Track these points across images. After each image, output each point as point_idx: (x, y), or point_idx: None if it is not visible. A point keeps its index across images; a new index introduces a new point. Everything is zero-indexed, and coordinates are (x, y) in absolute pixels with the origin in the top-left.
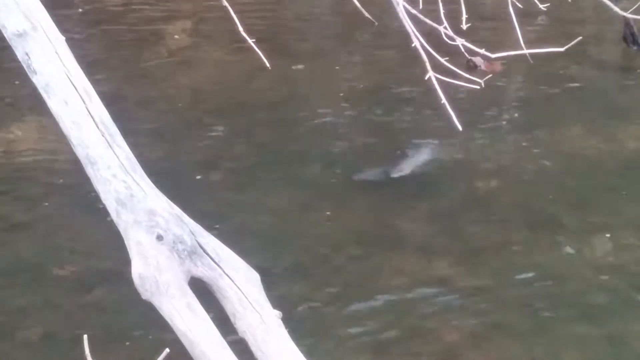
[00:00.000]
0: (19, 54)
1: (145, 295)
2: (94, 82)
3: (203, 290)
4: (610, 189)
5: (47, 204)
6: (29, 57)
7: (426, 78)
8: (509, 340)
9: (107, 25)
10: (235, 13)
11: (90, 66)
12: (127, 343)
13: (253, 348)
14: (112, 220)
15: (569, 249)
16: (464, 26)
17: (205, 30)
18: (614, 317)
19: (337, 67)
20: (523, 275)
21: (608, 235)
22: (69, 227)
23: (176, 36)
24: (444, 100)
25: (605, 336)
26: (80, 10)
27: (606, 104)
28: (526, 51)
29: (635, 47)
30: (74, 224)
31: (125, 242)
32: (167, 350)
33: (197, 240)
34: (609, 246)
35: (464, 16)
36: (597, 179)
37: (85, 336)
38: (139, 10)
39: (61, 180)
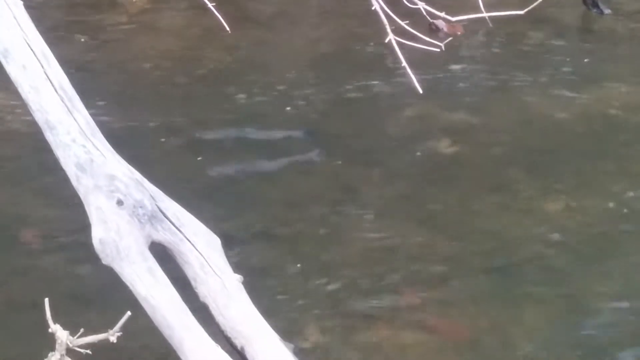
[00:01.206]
0: None
1: (105, 260)
2: (53, 48)
3: (164, 255)
4: (569, 152)
5: (4, 170)
6: None
7: (386, 41)
8: (468, 303)
9: None
10: None
11: (47, 31)
12: (88, 308)
13: (214, 313)
14: (72, 186)
15: (528, 215)
16: None
17: None
18: (572, 277)
19: (298, 31)
20: (481, 239)
21: (566, 197)
22: (28, 193)
23: (132, 1)
24: (403, 62)
25: (565, 296)
26: None
27: (566, 66)
28: (486, 14)
29: (595, 10)
30: (33, 189)
31: (86, 207)
32: (129, 313)
33: (157, 205)
34: (567, 209)
35: None
36: (556, 142)
37: (46, 300)
38: None
39: (19, 146)
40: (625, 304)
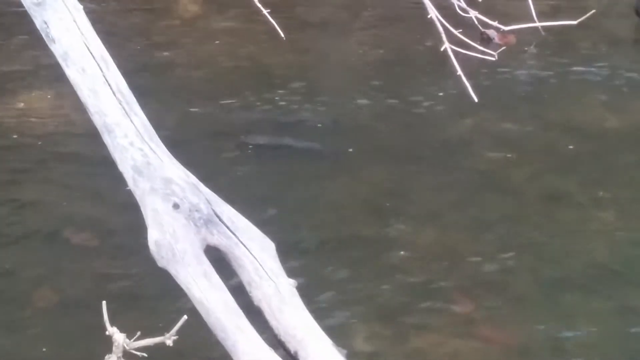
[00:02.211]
0: (37, 23)
1: (161, 262)
2: (108, 51)
3: (219, 259)
4: (620, 162)
5: (62, 173)
6: (48, 26)
7: (442, 49)
8: (521, 312)
9: None
10: None
11: (105, 35)
12: (144, 310)
13: (268, 317)
14: (128, 188)
15: (580, 223)
16: None
17: (218, 0)
18: (625, 288)
19: (349, 38)
20: (533, 248)
21: (619, 207)
22: (85, 195)
23: (189, 5)
24: (459, 71)
25: (618, 306)
26: None
27: (618, 77)
28: (539, 24)
29: None
30: (89, 192)
31: (142, 209)
32: (185, 317)
33: (213, 209)
34: (620, 218)
35: None
36: (608, 152)
37: (104, 302)
38: None
39: (77, 148)
40: None
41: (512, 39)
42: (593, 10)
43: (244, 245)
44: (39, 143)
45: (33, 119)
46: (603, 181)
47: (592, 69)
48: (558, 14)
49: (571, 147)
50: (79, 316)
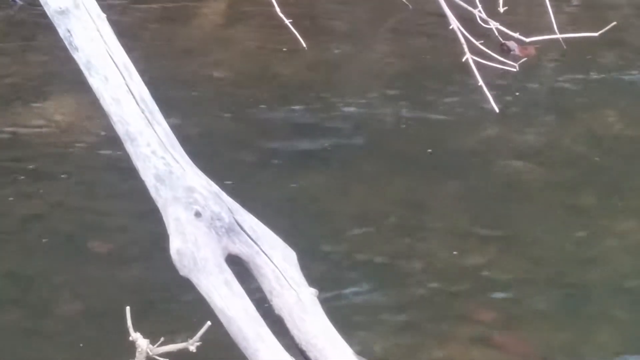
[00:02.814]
0: (61, 31)
1: (183, 271)
2: (131, 60)
3: (240, 268)
4: None
5: (84, 181)
6: (71, 34)
7: (463, 60)
8: (539, 322)
9: (141, 4)
10: None
11: (127, 43)
12: (167, 317)
13: (289, 325)
14: (150, 197)
15: (602, 234)
16: (501, 9)
17: (239, 10)
18: None
19: (372, 49)
20: (553, 258)
21: (638, 218)
22: (107, 203)
23: (210, 16)
24: (480, 82)
25: (638, 317)
26: None
27: (638, 89)
28: (560, 36)
29: None
30: (111, 200)
31: (164, 218)
32: (209, 323)
33: (234, 218)
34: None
35: None
36: (628, 163)
37: (127, 308)
38: None
39: (99, 157)
40: None
41: (532, 50)
42: (614, 23)
43: (265, 254)
44: (61, 151)
45: (55, 127)
46: (624, 192)
47: (613, 81)
48: (579, 25)
49: (596, 158)
50: (101, 323)
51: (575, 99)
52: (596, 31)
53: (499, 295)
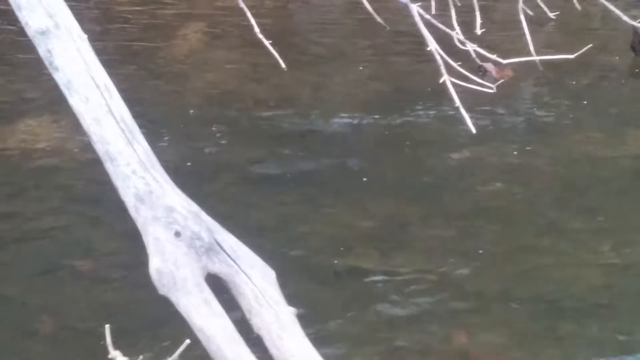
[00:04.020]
0: (41, 51)
1: (162, 290)
2: (112, 81)
3: (219, 287)
4: (617, 193)
5: (64, 200)
6: (51, 54)
7: (441, 81)
8: (516, 338)
9: (122, 25)
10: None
11: (107, 64)
12: (146, 336)
13: (268, 344)
14: (130, 216)
15: (577, 253)
16: (479, 31)
17: (219, 32)
18: (621, 317)
19: (350, 70)
20: (530, 277)
21: (614, 237)
22: (87, 223)
23: (190, 37)
24: (458, 103)
25: (613, 334)
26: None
27: (614, 110)
28: (537, 57)
29: None
30: (91, 220)
31: (144, 237)
32: (188, 341)
33: (214, 237)
34: (615, 248)
35: (479, 21)
36: (604, 183)
37: (107, 326)
38: (153, 10)
39: (78, 176)
40: None
41: (508, 72)
42: (590, 45)
43: (245, 273)
44: (41, 171)
45: (35, 147)
46: (599, 212)
47: (589, 102)
48: (555, 47)
49: (572, 178)
50: (81, 341)
51: (552, 120)
52: (572, 53)
53: (477, 312)
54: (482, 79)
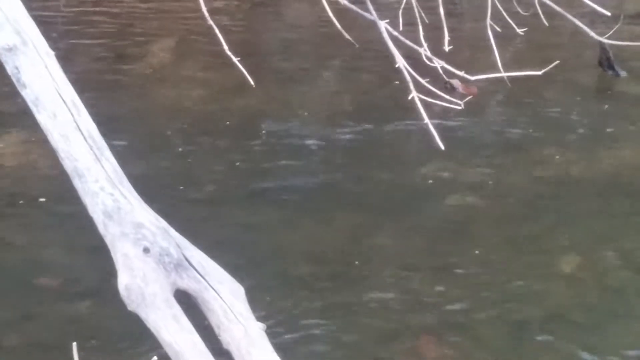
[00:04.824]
0: (8, 68)
1: (131, 306)
2: (80, 97)
3: (188, 303)
4: (583, 209)
5: (32, 216)
6: (19, 71)
7: (409, 98)
8: (486, 354)
9: (90, 41)
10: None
11: (75, 81)
12: (115, 353)
13: None
14: (98, 233)
15: (545, 268)
16: (447, 48)
17: (187, 48)
18: (586, 331)
19: (319, 87)
20: (497, 292)
21: (580, 253)
22: (56, 239)
23: (159, 54)
24: (426, 119)
25: (579, 349)
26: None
27: (581, 126)
28: (504, 74)
29: (610, 72)
30: (60, 236)
31: (112, 254)
32: (155, 358)
33: (183, 253)
34: (581, 264)
35: (447, 38)
36: (570, 199)
37: (74, 344)
38: (122, 27)
39: (47, 193)
40: None
41: (474, 89)
42: (557, 62)
43: (214, 289)
44: (9, 187)
45: (1, 164)
46: (565, 227)
47: (556, 118)
48: (523, 64)
49: (539, 194)
50: (49, 358)
51: (519, 136)
52: (540, 69)
53: (445, 328)
54: (450, 95)
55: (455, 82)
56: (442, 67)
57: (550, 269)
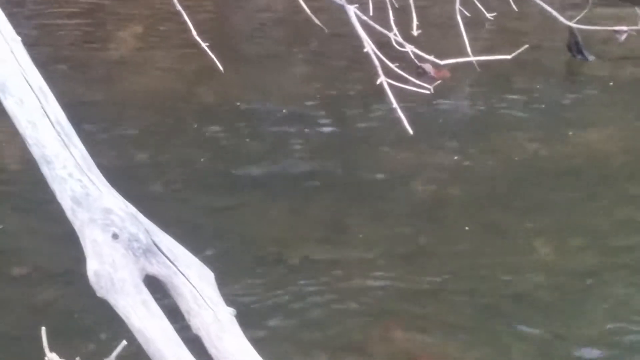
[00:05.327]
0: None
1: (100, 292)
2: (47, 84)
3: (158, 288)
4: (553, 193)
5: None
6: None
7: (377, 83)
8: (455, 338)
9: (57, 27)
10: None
11: (42, 67)
12: (84, 338)
13: (207, 345)
14: (67, 219)
15: (515, 252)
16: (415, 32)
17: (156, 34)
18: (557, 315)
19: (288, 72)
20: (468, 276)
21: (551, 237)
22: (24, 226)
23: (128, 39)
24: (395, 104)
25: (550, 333)
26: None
27: (550, 110)
28: (474, 58)
29: (579, 56)
30: (28, 223)
31: (81, 240)
32: (124, 342)
33: (152, 239)
34: (552, 248)
35: (415, 22)
36: (541, 183)
37: (43, 329)
38: (90, 12)
39: (14, 180)
40: (610, 341)
41: (446, 73)
42: (526, 45)
43: (183, 274)
44: None
45: None
46: (534, 210)
47: (525, 103)
48: (493, 49)
49: (509, 178)
50: (18, 344)
51: (489, 120)
52: (510, 53)
53: (416, 313)
54: (421, 79)
55: (427, 66)
56: (412, 52)
57: (520, 252)
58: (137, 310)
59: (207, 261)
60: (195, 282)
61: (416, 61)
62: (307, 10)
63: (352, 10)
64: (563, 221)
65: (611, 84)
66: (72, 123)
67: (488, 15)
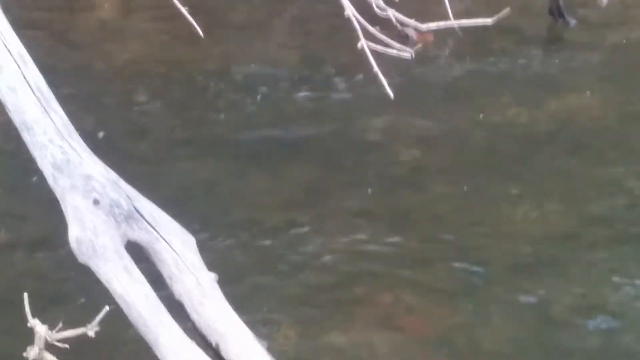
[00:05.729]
0: None
1: (82, 258)
2: (27, 50)
3: (140, 254)
4: (534, 158)
5: None
6: None
7: (358, 47)
8: (437, 303)
9: None
10: None
11: (21, 33)
12: (66, 304)
13: (189, 310)
14: (48, 185)
15: (495, 218)
16: None
17: (135, 0)
18: (538, 279)
19: (269, 38)
20: (449, 242)
21: (532, 202)
22: (5, 193)
23: (106, 5)
24: (376, 68)
25: (530, 297)
26: None
27: (532, 75)
28: (455, 22)
29: (561, 21)
30: (9, 189)
31: (62, 206)
32: (107, 308)
33: (133, 205)
34: (532, 213)
35: None
36: (522, 149)
37: (25, 294)
38: None
39: None
40: (588, 305)
41: (429, 37)
42: (507, 9)
43: (165, 240)
44: None
45: None
46: (514, 176)
47: (506, 67)
48: (474, 14)
49: (492, 143)
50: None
51: (471, 85)
52: (490, 18)
53: (399, 277)
54: (404, 44)
55: (409, 31)
56: (394, 16)
57: (502, 217)
58: (119, 276)
59: (189, 226)
60: (177, 247)
61: (398, 25)
62: None
63: None
64: (544, 186)
65: (592, 49)
66: (52, 89)
67: None
